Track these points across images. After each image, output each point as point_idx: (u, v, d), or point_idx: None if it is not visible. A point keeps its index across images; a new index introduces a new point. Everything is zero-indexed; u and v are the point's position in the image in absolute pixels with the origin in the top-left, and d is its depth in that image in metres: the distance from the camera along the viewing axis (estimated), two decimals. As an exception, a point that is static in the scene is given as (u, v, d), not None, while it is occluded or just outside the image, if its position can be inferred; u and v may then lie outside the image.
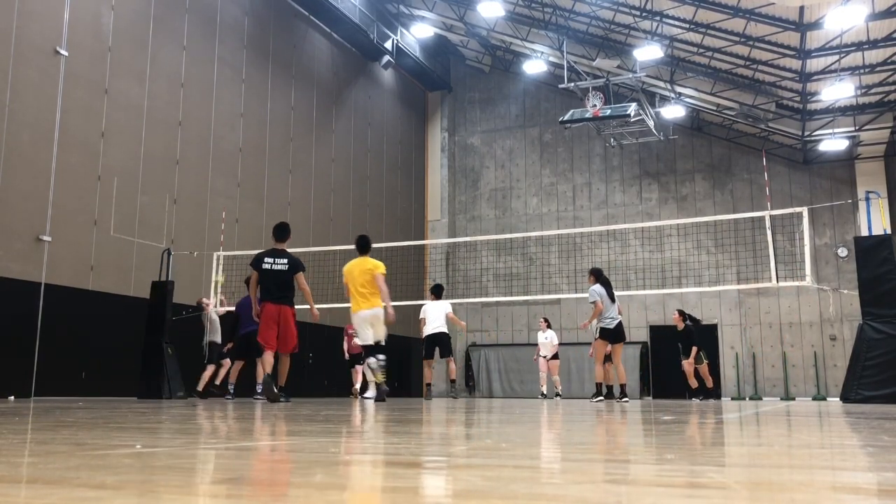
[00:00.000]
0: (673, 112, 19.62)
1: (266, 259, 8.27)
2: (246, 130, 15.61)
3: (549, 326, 14.95)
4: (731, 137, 20.33)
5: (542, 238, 20.42)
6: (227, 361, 11.37)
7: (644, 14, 16.06)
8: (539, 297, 19.43)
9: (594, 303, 10.16)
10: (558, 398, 14.41)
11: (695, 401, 12.71)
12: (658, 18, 16.05)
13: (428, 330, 11.81)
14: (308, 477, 1.53)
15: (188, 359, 11.86)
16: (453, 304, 12.85)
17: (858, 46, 14.79)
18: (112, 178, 12.38)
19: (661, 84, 18.81)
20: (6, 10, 10.90)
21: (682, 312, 13.53)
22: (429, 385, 11.89)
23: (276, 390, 8.03)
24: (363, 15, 19.20)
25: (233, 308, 11.37)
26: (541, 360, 14.65)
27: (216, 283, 12.34)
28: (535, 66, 20.80)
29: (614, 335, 10.15)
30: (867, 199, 12.53)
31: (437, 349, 11.66)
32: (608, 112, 16.87)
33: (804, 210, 10.57)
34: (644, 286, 19.22)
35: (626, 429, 3.83)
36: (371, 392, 12.43)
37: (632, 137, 19.76)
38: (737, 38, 15.63)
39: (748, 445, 2.77)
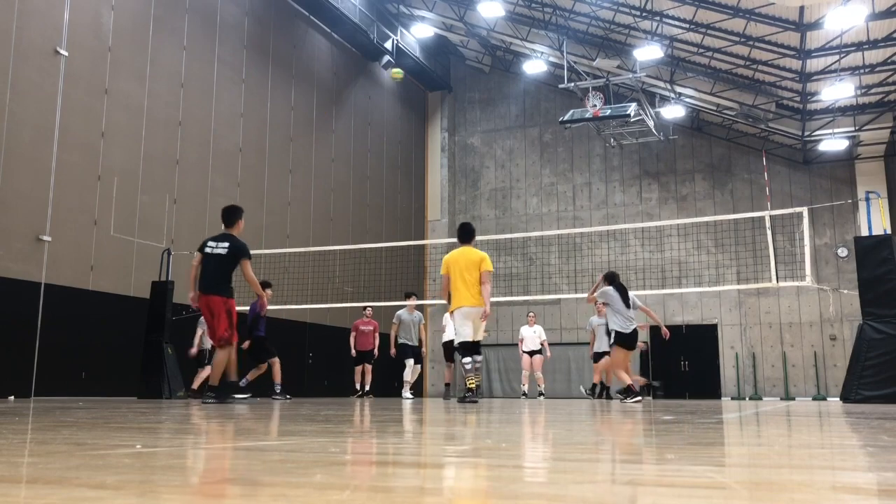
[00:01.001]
0: (673, 112, 19.62)
1: (210, 243, 7.62)
2: (246, 130, 15.61)
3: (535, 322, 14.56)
4: (731, 137, 20.33)
5: (542, 238, 20.42)
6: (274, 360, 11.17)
7: (644, 14, 16.06)
8: (539, 297, 19.41)
9: (603, 303, 9.96)
10: (541, 398, 13.73)
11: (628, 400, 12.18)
12: (658, 18, 16.05)
13: (449, 335, 12.22)
14: (308, 477, 1.53)
15: (188, 359, 11.86)
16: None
17: (858, 46, 14.79)
18: (112, 178, 12.38)
19: (661, 84, 18.81)
20: (6, 10, 10.90)
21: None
22: (448, 385, 12.91)
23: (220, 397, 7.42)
24: (363, 15, 19.20)
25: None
26: (524, 356, 14.06)
27: None
28: (535, 66, 20.80)
29: (630, 340, 9.70)
30: (867, 199, 12.55)
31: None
32: (608, 112, 16.87)
33: (804, 210, 10.57)
34: (644, 286, 19.22)
35: (626, 429, 3.83)
36: (407, 392, 12.62)
37: (632, 137, 19.75)
38: (737, 38, 15.63)
39: (748, 445, 2.77)
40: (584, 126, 19.88)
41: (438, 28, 21.22)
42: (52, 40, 11.58)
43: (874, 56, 15.32)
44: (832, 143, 18.36)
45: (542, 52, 20.20)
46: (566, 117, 17.53)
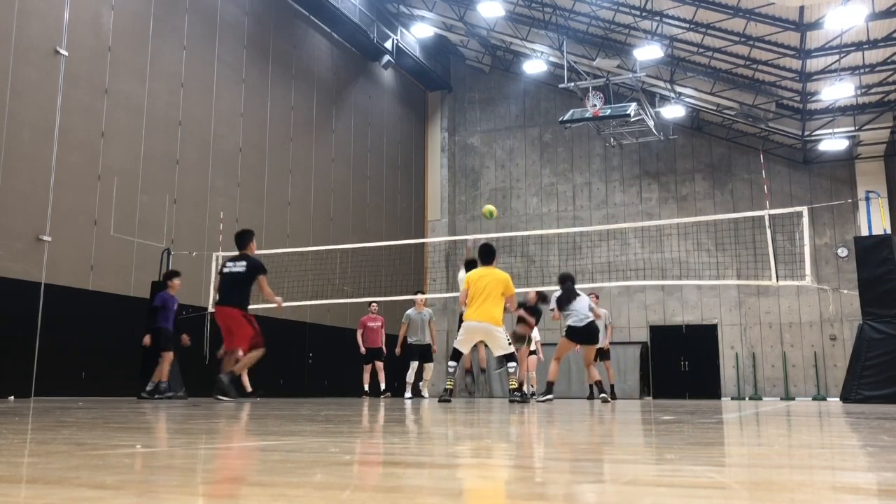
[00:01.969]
0: (673, 112, 19.63)
1: (227, 264, 8.56)
2: (246, 130, 15.61)
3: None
4: (731, 137, 20.33)
5: (542, 238, 20.42)
6: (168, 354, 10.47)
7: (644, 14, 16.07)
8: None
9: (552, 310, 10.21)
10: (534, 398, 13.74)
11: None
12: (658, 18, 16.05)
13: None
14: (308, 477, 1.53)
15: (188, 359, 11.86)
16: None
17: (858, 46, 14.79)
18: (112, 178, 12.38)
19: (661, 84, 18.81)
20: (6, 10, 10.90)
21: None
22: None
23: (226, 384, 8.12)
24: (363, 15, 19.20)
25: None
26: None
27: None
28: (535, 66, 20.80)
29: (581, 335, 9.84)
30: (867, 199, 12.54)
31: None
32: (608, 112, 16.87)
33: (804, 210, 10.57)
34: (644, 286, 19.22)
35: (626, 429, 3.83)
36: (408, 392, 12.63)
37: (632, 137, 19.76)
38: (737, 38, 15.63)
39: (748, 445, 2.77)
40: (584, 126, 19.88)
41: (438, 28, 21.23)
42: (52, 40, 11.58)
43: (874, 56, 15.32)
44: (832, 142, 18.36)
45: (542, 52, 20.20)
46: (566, 117, 17.53)
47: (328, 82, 18.69)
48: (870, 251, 10.04)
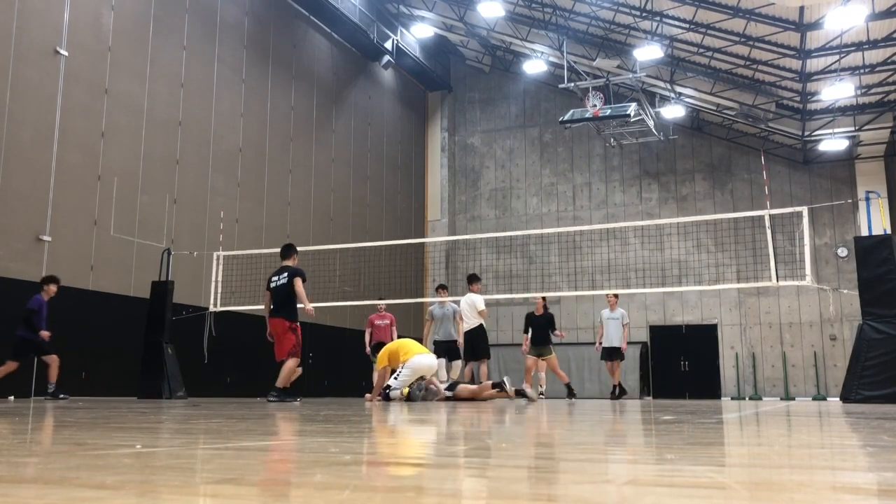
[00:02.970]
0: (673, 112, 19.63)
1: (272, 279, 8.99)
2: (246, 130, 15.61)
3: None
4: (731, 137, 20.33)
5: (543, 237, 20.43)
6: (53, 358, 9.97)
7: (644, 14, 16.06)
8: (539, 295, 19.40)
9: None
10: (542, 398, 13.75)
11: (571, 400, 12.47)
12: (658, 18, 16.05)
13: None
14: (308, 477, 1.53)
15: (188, 359, 11.86)
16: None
17: (858, 46, 14.79)
18: (112, 178, 12.38)
19: (661, 84, 18.81)
20: (6, 10, 10.90)
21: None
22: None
23: (277, 393, 8.69)
24: (363, 15, 19.20)
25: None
26: (528, 358, 13.86)
27: None
28: (535, 66, 20.80)
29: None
30: (867, 199, 12.53)
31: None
32: (608, 112, 16.86)
33: (804, 210, 10.56)
34: (644, 286, 19.22)
35: (627, 429, 3.83)
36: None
37: (632, 137, 19.75)
38: (737, 38, 15.63)
39: (748, 445, 2.77)
40: (584, 126, 19.87)
41: (438, 28, 21.22)
42: (52, 40, 11.58)
43: (874, 56, 15.32)
44: (832, 143, 18.36)
45: (542, 52, 20.20)
46: (566, 117, 17.52)
47: (328, 82, 18.69)
48: (870, 251, 10.03)
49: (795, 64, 16.00)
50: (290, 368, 8.71)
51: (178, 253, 12.51)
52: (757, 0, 14.13)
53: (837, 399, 12.58)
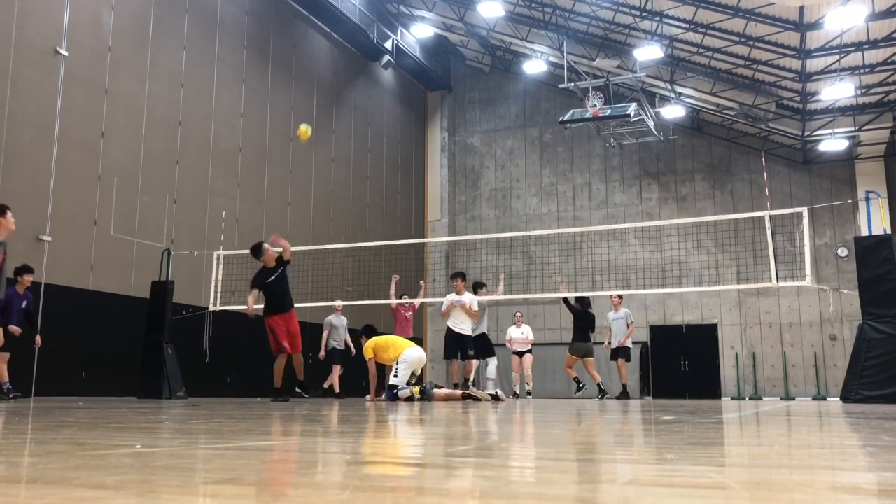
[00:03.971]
0: (673, 112, 19.62)
1: (263, 278, 9.15)
2: (246, 130, 15.61)
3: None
4: (731, 137, 20.33)
5: (543, 237, 20.42)
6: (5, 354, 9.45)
7: (644, 14, 16.06)
8: (539, 296, 19.43)
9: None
10: (529, 396, 13.50)
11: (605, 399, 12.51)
12: (658, 18, 16.05)
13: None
14: (308, 477, 1.53)
15: (188, 359, 11.86)
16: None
17: (858, 46, 14.79)
18: (112, 178, 12.38)
19: (661, 84, 18.81)
20: (6, 10, 10.90)
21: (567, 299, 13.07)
22: (456, 384, 11.90)
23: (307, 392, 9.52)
24: (363, 15, 19.20)
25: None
26: (514, 357, 13.89)
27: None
28: (535, 66, 20.80)
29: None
30: (867, 199, 12.53)
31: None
32: (608, 112, 16.86)
33: (804, 210, 10.56)
34: (644, 286, 19.22)
35: (627, 429, 3.83)
36: (491, 388, 12.55)
37: (632, 137, 19.75)
38: (737, 38, 15.63)
39: (748, 445, 2.77)
40: (584, 126, 19.87)
41: (438, 28, 21.23)
42: (52, 40, 11.58)
43: (874, 56, 15.32)
44: (832, 143, 18.36)
45: (542, 52, 20.20)
46: (566, 117, 17.52)
47: (328, 82, 18.69)
48: (870, 251, 10.03)
49: (795, 64, 16.00)
50: (300, 363, 9.13)
51: (178, 253, 12.51)
52: (757, 0, 14.13)
53: (837, 399, 12.59)
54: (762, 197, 19.37)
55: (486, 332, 12.05)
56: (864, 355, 9.68)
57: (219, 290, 12.26)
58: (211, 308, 12.13)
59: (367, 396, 10.58)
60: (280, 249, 9.12)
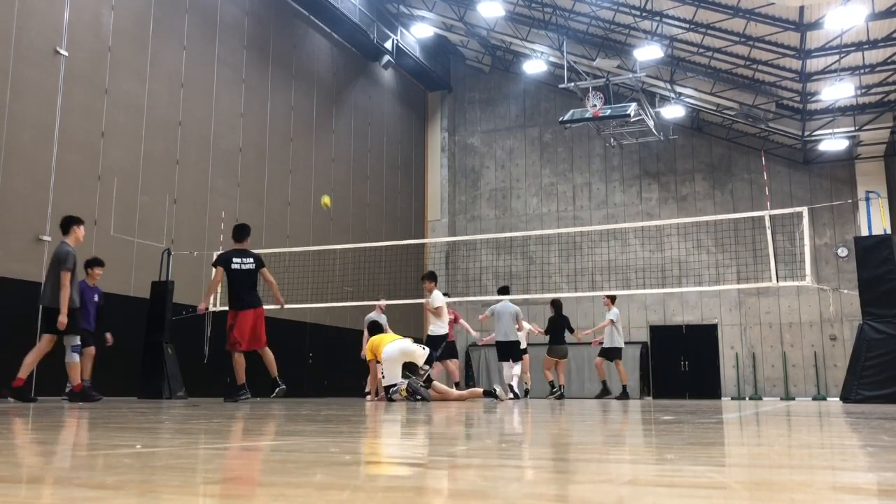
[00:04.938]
0: (673, 112, 19.62)
1: (235, 259, 8.67)
2: (246, 130, 15.60)
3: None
4: (731, 137, 20.33)
5: (542, 237, 20.42)
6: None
7: (644, 14, 16.07)
8: (539, 296, 19.42)
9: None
10: (527, 396, 13.59)
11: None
12: (658, 18, 16.05)
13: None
14: (308, 477, 1.53)
15: (188, 359, 11.86)
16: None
17: (858, 46, 14.79)
18: (112, 178, 12.38)
19: (661, 84, 18.81)
20: (6, 10, 10.90)
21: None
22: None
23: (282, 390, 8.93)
24: (363, 15, 19.20)
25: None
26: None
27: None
28: (535, 66, 20.81)
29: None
30: (867, 199, 12.54)
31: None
32: (608, 112, 16.86)
33: (804, 210, 10.57)
34: (644, 286, 19.22)
35: (627, 429, 3.83)
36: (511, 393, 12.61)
37: (632, 137, 19.75)
38: (737, 38, 15.63)
39: (748, 445, 2.77)
40: (584, 126, 19.88)
41: (438, 28, 21.23)
42: (52, 40, 11.57)
43: (874, 56, 15.32)
44: (832, 143, 18.36)
45: (542, 52, 20.20)
46: (566, 117, 17.52)
47: (328, 82, 18.68)
48: (870, 251, 10.04)
49: (795, 64, 16.00)
50: (271, 359, 8.93)
51: (178, 253, 12.50)
52: (757, 0, 14.13)
53: (837, 399, 12.59)
54: (762, 197, 19.37)
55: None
56: (864, 355, 9.69)
57: (219, 290, 12.24)
58: (211, 308, 12.12)
59: (368, 397, 10.59)
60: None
